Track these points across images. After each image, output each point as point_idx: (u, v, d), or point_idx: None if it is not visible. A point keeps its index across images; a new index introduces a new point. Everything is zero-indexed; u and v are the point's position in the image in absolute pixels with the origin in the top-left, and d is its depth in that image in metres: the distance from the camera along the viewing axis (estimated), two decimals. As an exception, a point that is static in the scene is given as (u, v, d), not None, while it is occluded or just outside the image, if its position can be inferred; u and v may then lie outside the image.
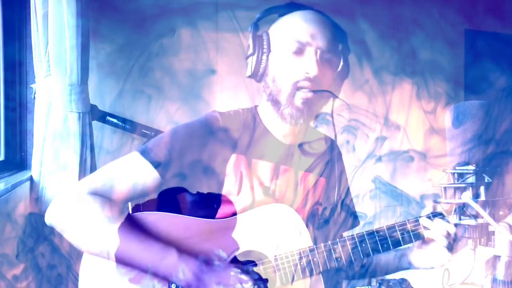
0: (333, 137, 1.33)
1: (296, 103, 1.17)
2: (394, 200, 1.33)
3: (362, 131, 1.29)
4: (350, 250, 1.14)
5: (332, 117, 1.22)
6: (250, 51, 1.22)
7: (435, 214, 1.16)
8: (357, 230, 1.34)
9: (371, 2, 2.27)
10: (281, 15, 1.24)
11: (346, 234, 1.32)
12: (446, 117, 1.13)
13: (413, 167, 1.36)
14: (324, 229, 1.24)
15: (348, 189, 1.37)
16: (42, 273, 1.32)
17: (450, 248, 1.14)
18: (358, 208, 1.35)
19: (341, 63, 1.20)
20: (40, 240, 1.12)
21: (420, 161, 1.29)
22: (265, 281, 1.11)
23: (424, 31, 2.45)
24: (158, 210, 1.29)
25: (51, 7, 1.53)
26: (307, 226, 1.18)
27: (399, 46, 2.31)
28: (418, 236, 1.16)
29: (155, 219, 1.11)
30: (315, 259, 1.13)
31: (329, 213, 1.26)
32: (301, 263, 1.13)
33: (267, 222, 1.15)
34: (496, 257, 1.02)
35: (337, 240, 1.15)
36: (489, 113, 1.08)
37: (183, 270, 1.04)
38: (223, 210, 1.18)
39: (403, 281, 1.27)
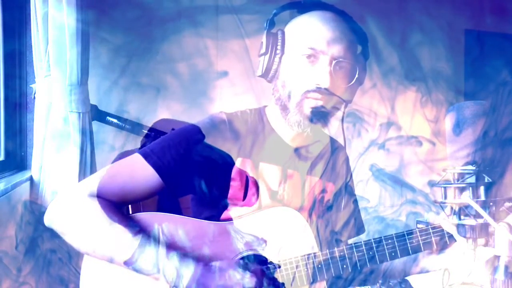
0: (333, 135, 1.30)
1: (305, 111, 1.12)
2: (393, 188, 1.32)
3: (365, 127, 1.27)
4: (356, 258, 1.11)
5: (342, 123, 1.16)
6: (263, 50, 1.16)
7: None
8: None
9: (372, 4, 2.27)
10: (300, 12, 1.17)
11: (352, 240, 1.31)
12: (446, 121, 1.13)
13: (421, 153, 1.34)
14: (329, 231, 1.22)
15: (349, 191, 1.34)
16: (43, 263, 1.32)
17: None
18: (361, 195, 1.34)
19: (357, 73, 1.13)
20: (39, 229, 1.12)
21: (428, 147, 1.28)
22: (274, 283, 1.10)
23: (425, 35, 2.45)
24: (158, 210, 1.28)
25: (51, 7, 1.53)
26: (310, 215, 1.16)
27: (401, 50, 2.30)
28: (428, 245, 1.13)
29: (157, 220, 1.10)
30: (319, 266, 1.10)
31: (335, 218, 1.24)
32: (305, 269, 1.10)
33: (272, 225, 1.12)
34: (496, 257, 1.01)
35: (343, 247, 1.11)
36: (490, 113, 1.08)
37: (184, 274, 1.03)
38: (228, 214, 1.16)
39: (403, 281, 1.27)
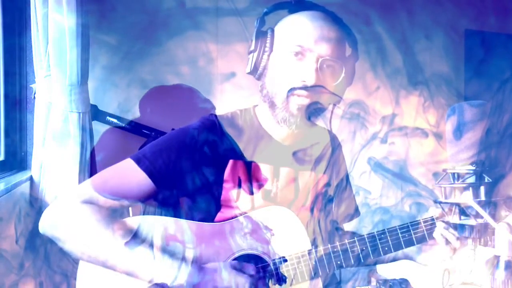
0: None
1: (291, 109, 1.14)
2: (393, 182, 1.33)
3: (366, 125, 1.28)
4: (350, 254, 1.13)
5: (330, 121, 1.18)
6: (252, 47, 1.18)
7: (439, 217, 1.16)
8: (362, 216, 1.35)
9: (374, 6, 2.26)
10: (291, 12, 1.19)
11: (347, 227, 1.33)
12: (446, 125, 1.13)
13: (425, 154, 1.35)
14: (329, 222, 1.23)
15: (349, 182, 1.36)
16: (43, 256, 1.33)
17: (454, 251, 1.14)
18: (365, 186, 1.35)
19: (343, 73, 1.15)
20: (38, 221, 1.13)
21: (431, 148, 1.28)
22: (277, 277, 1.10)
23: (428, 38, 2.45)
24: (158, 212, 1.29)
25: (51, 7, 1.53)
26: (312, 210, 1.17)
27: (404, 53, 2.30)
28: (421, 239, 1.15)
29: (153, 222, 1.10)
30: (314, 263, 1.11)
31: (331, 206, 1.26)
32: (300, 266, 1.11)
33: (266, 224, 1.13)
34: (496, 257, 1.01)
35: (337, 244, 1.13)
36: (492, 112, 1.07)
37: (178, 276, 1.03)
38: (222, 215, 1.16)
39: (403, 281, 1.27)
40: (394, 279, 1.28)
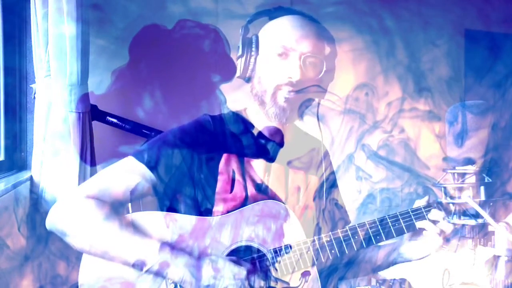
0: (319, 133, 1.37)
1: (279, 103, 1.23)
2: (389, 169, 1.33)
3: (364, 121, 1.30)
4: (343, 243, 1.18)
5: (318, 118, 1.28)
6: (240, 52, 1.28)
7: (427, 206, 1.19)
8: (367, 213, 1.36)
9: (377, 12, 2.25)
10: (271, 18, 1.29)
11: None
12: (446, 128, 1.13)
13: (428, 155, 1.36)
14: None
15: (338, 187, 1.40)
16: (43, 247, 1.34)
17: (442, 234, 1.16)
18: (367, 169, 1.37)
19: (324, 67, 1.24)
20: (39, 224, 1.15)
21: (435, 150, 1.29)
22: (262, 273, 1.14)
23: (433, 44, 2.44)
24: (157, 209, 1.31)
25: (51, 7, 1.53)
26: (314, 199, 1.25)
27: (407, 58, 2.29)
28: (410, 227, 1.19)
29: (151, 218, 1.15)
30: (308, 252, 1.17)
31: (318, 213, 1.29)
32: (294, 256, 1.17)
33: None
34: (496, 257, 1.02)
35: (330, 233, 1.19)
36: (494, 113, 1.08)
37: (176, 265, 1.08)
38: (217, 208, 1.21)
39: (403, 281, 1.28)
40: (394, 279, 1.28)
